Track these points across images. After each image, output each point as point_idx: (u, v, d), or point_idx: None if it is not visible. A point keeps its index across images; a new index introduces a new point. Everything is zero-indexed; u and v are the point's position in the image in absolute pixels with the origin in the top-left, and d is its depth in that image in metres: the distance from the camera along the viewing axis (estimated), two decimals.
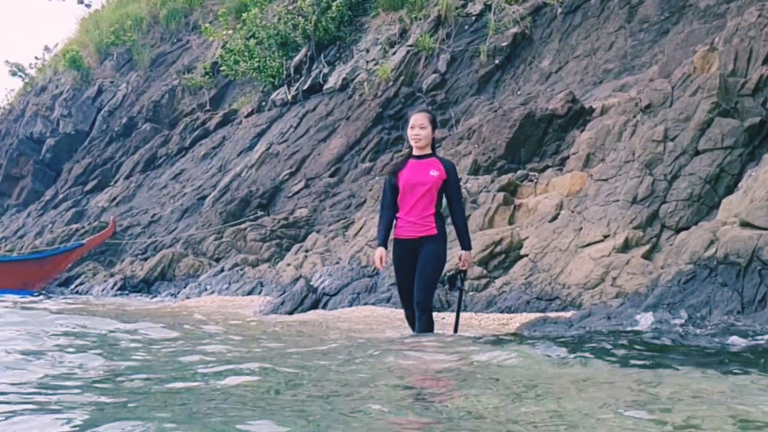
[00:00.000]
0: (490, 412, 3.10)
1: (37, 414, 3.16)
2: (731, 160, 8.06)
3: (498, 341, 5.77)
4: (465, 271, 6.81)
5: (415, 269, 6.46)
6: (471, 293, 8.79)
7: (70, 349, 5.32)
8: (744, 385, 3.58)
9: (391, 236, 6.64)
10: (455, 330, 6.72)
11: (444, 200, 6.61)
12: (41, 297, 14.83)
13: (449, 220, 6.78)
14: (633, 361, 4.15)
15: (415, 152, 6.63)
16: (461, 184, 10.85)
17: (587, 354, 4.52)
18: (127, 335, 6.54)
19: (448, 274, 6.96)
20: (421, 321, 6.48)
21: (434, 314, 7.31)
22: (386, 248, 6.62)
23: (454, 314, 7.38)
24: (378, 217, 6.97)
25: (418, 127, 6.55)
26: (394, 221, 6.61)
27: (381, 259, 6.61)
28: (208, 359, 5.05)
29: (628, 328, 5.59)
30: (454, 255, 7.67)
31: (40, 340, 5.78)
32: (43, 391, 3.76)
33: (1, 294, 14.51)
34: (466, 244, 6.64)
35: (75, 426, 2.94)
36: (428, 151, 6.62)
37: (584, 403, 3.30)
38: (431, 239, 6.45)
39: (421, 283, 6.48)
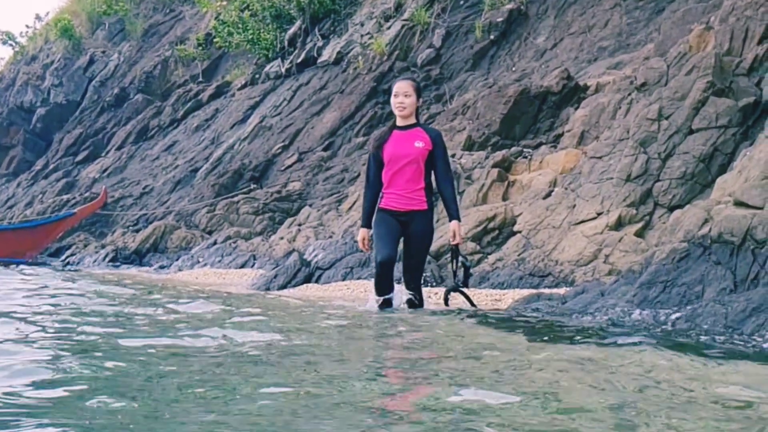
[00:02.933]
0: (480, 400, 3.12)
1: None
2: (725, 140, 8.09)
3: (487, 318, 5.81)
4: (458, 246, 6.50)
5: (397, 230, 6.30)
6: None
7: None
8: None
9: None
10: (472, 304, 6.52)
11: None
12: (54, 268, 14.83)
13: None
14: (630, 346, 4.19)
15: (398, 122, 6.41)
16: (456, 159, 10.90)
17: (579, 337, 4.57)
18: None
19: (455, 261, 6.57)
20: (414, 292, 6.43)
21: (428, 289, 7.34)
22: (370, 229, 6.47)
23: (445, 289, 7.34)
24: (363, 195, 6.75)
25: (402, 95, 6.33)
26: (380, 197, 6.43)
27: (364, 241, 6.49)
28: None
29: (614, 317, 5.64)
30: (445, 231, 7.68)
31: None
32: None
33: None
34: (454, 215, 6.34)
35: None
36: (412, 120, 6.41)
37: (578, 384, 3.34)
38: (421, 215, 6.30)
39: (411, 263, 6.41)
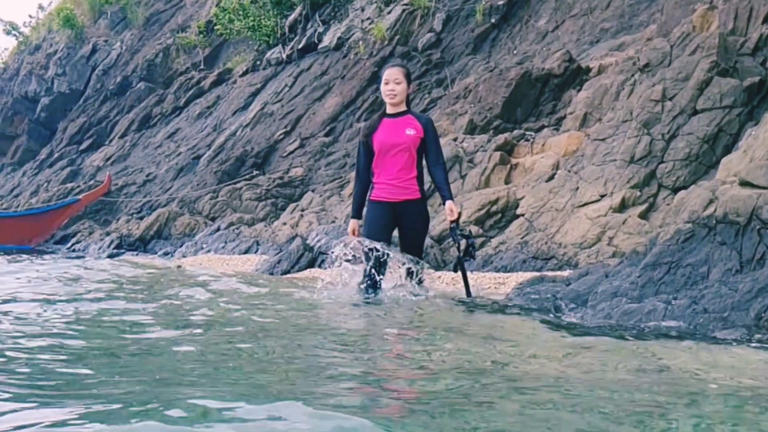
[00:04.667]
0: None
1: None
2: (730, 120, 8.02)
3: (485, 307, 5.77)
4: (458, 222, 6.20)
5: (389, 226, 6.10)
6: None
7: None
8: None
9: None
10: (468, 293, 6.16)
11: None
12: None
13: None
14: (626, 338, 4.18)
15: (389, 110, 6.24)
16: (457, 143, 10.85)
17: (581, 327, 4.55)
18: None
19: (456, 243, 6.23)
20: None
21: (430, 272, 7.27)
22: (360, 219, 6.25)
23: (449, 273, 7.23)
24: (353, 185, 6.48)
25: (392, 82, 6.14)
26: (371, 187, 6.20)
27: (354, 233, 6.22)
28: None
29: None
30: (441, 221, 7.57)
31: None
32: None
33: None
34: (448, 196, 6.10)
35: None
36: (403, 108, 6.23)
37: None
38: (415, 204, 6.11)
39: (410, 250, 6.17)
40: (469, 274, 6.48)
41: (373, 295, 5.92)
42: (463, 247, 6.19)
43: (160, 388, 2.59)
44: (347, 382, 2.81)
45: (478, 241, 8.85)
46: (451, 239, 6.42)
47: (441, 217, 8.48)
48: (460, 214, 6.29)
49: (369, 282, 5.98)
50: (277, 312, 5.21)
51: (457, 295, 6.31)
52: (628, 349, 3.67)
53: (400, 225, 6.18)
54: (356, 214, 6.30)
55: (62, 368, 2.97)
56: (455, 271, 6.31)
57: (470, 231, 6.48)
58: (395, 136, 6.10)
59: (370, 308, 5.46)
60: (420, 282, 6.16)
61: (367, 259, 6.02)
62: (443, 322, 4.77)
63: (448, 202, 6.10)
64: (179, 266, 9.48)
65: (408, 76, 6.28)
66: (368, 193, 6.27)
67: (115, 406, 2.28)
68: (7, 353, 3.23)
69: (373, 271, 5.98)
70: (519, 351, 3.64)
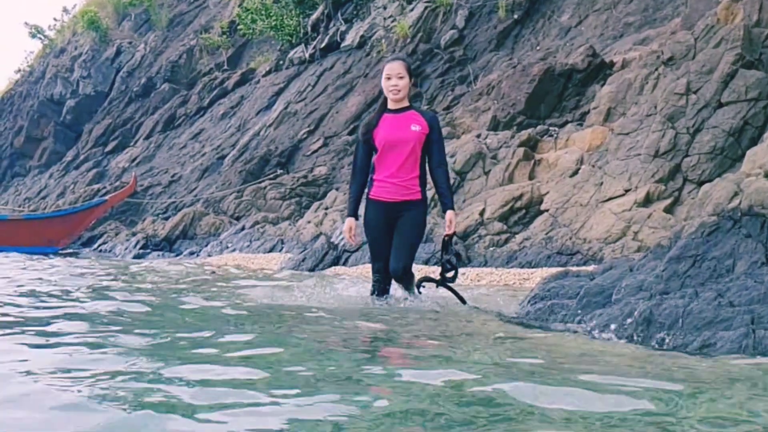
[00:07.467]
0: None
1: None
2: (755, 113, 7.97)
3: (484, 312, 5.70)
4: (452, 236, 5.88)
5: (390, 233, 5.84)
6: (491, 248, 8.78)
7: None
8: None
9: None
10: (462, 301, 5.81)
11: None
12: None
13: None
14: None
15: (390, 105, 5.96)
16: (481, 140, 10.84)
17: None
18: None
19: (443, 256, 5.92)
20: (403, 284, 5.91)
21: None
22: (357, 219, 5.98)
23: (468, 272, 7.09)
24: (350, 183, 6.19)
25: (395, 77, 5.88)
26: (369, 184, 5.94)
27: (351, 231, 5.93)
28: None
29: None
30: (470, 212, 7.57)
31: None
32: None
33: (28, 252, 14.72)
34: (449, 204, 5.81)
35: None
36: (406, 103, 5.96)
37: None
38: (414, 205, 5.82)
39: (403, 252, 5.83)
40: (493, 269, 6.42)
41: (383, 301, 5.82)
42: (443, 267, 5.88)
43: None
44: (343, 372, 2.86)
45: (503, 237, 8.85)
46: (441, 252, 5.90)
47: (465, 213, 8.48)
48: (453, 235, 5.91)
49: (378, 290, 5.91)
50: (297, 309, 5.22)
51: (472, 298, 6.10)
52: (633, 355, 3.66)
53: (396, 225, 5.89)
54: (353, 212, 6.02)
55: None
56: (418, 290, 5.93)
57: (459, 252, 6.08)
58: (399, 131, 5.86)
59: (379, 312, 5.41)
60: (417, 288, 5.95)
61: (374, 270, 5.95)
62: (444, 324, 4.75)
63: (449, 213, 5.81)
64: (213, 272, 9.54)
65: (410, 69, 6.06)
66: (367, 190, 6.01)
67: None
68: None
69: (380, 282, 5.91)
70: (519, 350, 3.67)
